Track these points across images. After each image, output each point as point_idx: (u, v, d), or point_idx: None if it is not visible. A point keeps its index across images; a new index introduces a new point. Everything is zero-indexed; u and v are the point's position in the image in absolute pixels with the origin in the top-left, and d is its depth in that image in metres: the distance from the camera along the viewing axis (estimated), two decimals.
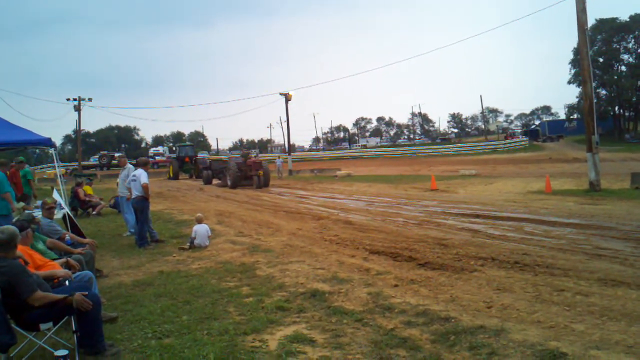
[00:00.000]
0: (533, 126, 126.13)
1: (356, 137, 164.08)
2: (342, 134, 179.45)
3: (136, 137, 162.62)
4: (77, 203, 20.85)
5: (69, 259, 7.48)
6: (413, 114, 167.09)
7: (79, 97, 64.15)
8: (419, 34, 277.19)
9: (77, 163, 71.63)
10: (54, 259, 7.44)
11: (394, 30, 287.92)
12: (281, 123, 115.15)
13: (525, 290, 7.27)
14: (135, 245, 12.96)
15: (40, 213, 10.05)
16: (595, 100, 22.20)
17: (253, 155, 40.65)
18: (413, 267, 9.17)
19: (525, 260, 9.03)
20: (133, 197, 13.35)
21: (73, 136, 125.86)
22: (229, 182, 35.04)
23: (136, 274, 10.02)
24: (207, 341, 5.95)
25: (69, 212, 12.16)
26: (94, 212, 20.76)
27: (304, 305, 7.27)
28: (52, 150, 14.13)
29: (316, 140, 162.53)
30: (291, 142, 65.31)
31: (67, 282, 6.37)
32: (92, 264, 8.73)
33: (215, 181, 40.53)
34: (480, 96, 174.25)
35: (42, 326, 5.51)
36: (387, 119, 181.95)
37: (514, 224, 13.57)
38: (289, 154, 59.70)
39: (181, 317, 6.95)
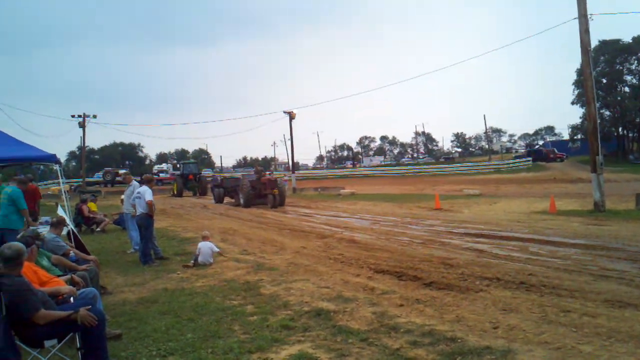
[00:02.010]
0: (537, 146, 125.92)
1: (360, 156, 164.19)
2: (345, 153, 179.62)
3: (140, 154, 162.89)
4: (82, 220, 20.88)
5: (73, 275, 7.48)
6: (417, 133, 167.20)
7: (84, 113, 64.46)
8: (423, 53, 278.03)
9: (81, 179, 71.75)
10: (59, 276, 7.43)
11: (398, 50, 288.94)
12: (285, 141, 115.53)
13: (531, 311, 7.23)
14: (140, 263, 12.94)
15: (46, 229, 10.07)
16: (599, 121, 22.19)
17: (267, 173, 37.64)
18: (418, 287, 9.13)
19: (531, 281, 8.98)
20: (137, 214, 13.36)
21: (77, 152, 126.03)
22: (241, 201, 33.43)
23: (140, 291, 10.00)
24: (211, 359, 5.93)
25: (74, 229, 12.18)
26: (97, 229, 20.78)
27: (308, 324, 7.24)
28: (56, 167, 14.14)
29: (320, 158, 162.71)
30: (295, 161, 65.44)
31: (71, 299, 6.35)
32: (97, 280, 8.72)
33: (227, 199, 38.55)
34: (484, 116, 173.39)
35: (47, 343, 5.49)
36: (390, 137, 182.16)
37: (519, 244, 13.51)
38: (293, 172, 59.73)
39: (185, 335, 6.93)
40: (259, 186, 32.64)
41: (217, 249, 12.98)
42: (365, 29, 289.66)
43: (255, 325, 7.27)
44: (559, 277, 9.22)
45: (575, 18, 21.36)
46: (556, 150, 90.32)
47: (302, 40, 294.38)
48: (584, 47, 21.50)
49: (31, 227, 10.45)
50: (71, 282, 7.18)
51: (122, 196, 17.23)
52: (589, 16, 21.06)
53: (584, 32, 21.22)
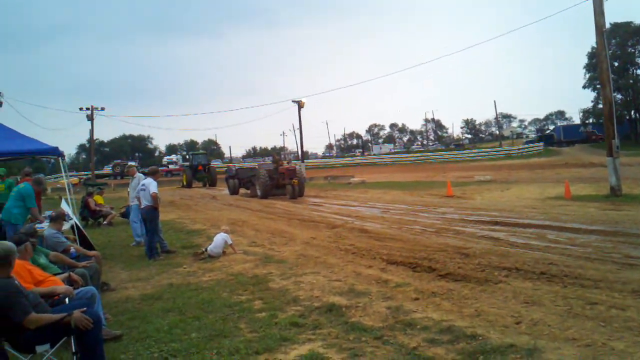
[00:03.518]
0: (548, 131, 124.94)
1: (369, 144, 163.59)
2: (355, 141, 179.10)
3: (150, 146, 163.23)
4: (88, 213, 20.60)
5: (71, 273, 7.11)
6: (426, 120, 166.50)
7: (92, 106, 64.24)
8: (432, 39, 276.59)
9: (90, 172, 71.66)
10: (57, 274, 7.07)
11: (408, 36, 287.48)
12: (294, 130, 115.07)
13: (555, 304, 6.80)
14: (145, 257, 12.61)
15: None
16: (606, 105, 21.63)
17: (285, 162, 34.78)
18: (434, 279, 8.73)
19: (552, 271, 8.56)
20: (142, 206, 13.02)
21: (87, 145, 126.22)
22: (258, 192, 31.75)
23: (145, 287, 9.65)
24: None
25: (78, 223, 11.86)
26: (104, 222, 20.48)
27: (319, 320, 6.85)
28: (59, 160, 13.90)
29: (329, 147, 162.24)
30: (304, 150, 65.07)
31: (67, 300, 5.98)
32: (97, 278, 8.36)
33: (242, 191, 37.12)
34: (494, 101, 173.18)
35: (39, 348, 5.14)
36: (400, 125, 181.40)
37: (535, 232, 13.09)
38: (302, 161, 59.33)
39: (190, 334, 6.56)
40: (276, 176, 31.16)
41: (230, 242, 12.60)
42: (375, 16, 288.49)
43: (263, 322, 6.89)
44: (581, 266, 8.79)
45: None
46: (597, 132, 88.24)
47: (311, 29, 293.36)
48: (598, 29, 20.89)
49: (36, 225, 10.13)
50: (69, 281, 6.82)
51: (128, 188, 16.91)
52: None
53: (599, 13, 20.62)
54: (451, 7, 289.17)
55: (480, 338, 5.71)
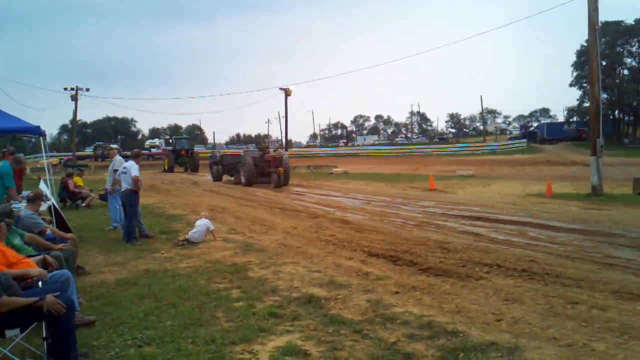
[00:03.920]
0: (531, 128, 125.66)
1: (354, 135, 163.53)
2: (339, 131, 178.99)
3: (133, 129, 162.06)
4: (67, 194, 20.31)
5: (46, 255, 6.92)
6: (411, 113, 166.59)
7: (77, 86, 63.65)
8: (420, 32, 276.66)
9: (71, 153, 70.96)
10: (31, 256, 6.89)
11: (395, 28, 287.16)
12: (279, 118, 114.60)
13: (536, 302, 6.75)
14: (123, 241, 12.42)
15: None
16: (594, 104, 21.68)
17: (272, 149, 34.36)
18: (414, 273, 8.65)
19: (534, 268, 8.52)
20: (122, 190, 12.82)
21: (69, 126, 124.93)
22: (243, 180, 31.13)
23: (121, 271, 9.46)
24: (191, 351, 5.44)
25: (55, 204, 11.64)
26: (83, 204, 20.21)
27: (298, 312, 6.73)
28: (40, 139, 13.65)
29: (313, 136, 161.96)
30: (289, 138, 64.79)
31: (40, 283, 5.81)
32: (72, 261, 8.17)
33: (225, 177, 36.31)
34: (481, 96, 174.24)
35: (8, 333, 4.97)
36: (385, 117, 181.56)
37: (516, 228, 13.08)
38: (286, 150, 59.08)
39: (165, 322, 6.42)
40: (262, 164, 30.59)
41: (212, 228, 12.44)
42: (366, 6, 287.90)
43: (241, 312, 6.76)
44: (562, 265, 8.76)
45: None
46: (587, 130, 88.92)
47: (299, 18, 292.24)
48: (591, 26, 20.87)
49: (12, 205, 9.89)
50: (44, 263, 6.64)
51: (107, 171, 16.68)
52: None
53: (593, 9, 20.61)
54: (443, 2, 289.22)
55: (461, 335, 5.63)
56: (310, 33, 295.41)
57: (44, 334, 5.10)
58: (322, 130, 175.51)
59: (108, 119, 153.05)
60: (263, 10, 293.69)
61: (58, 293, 5.16)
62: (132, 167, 12.71)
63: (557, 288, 7.41)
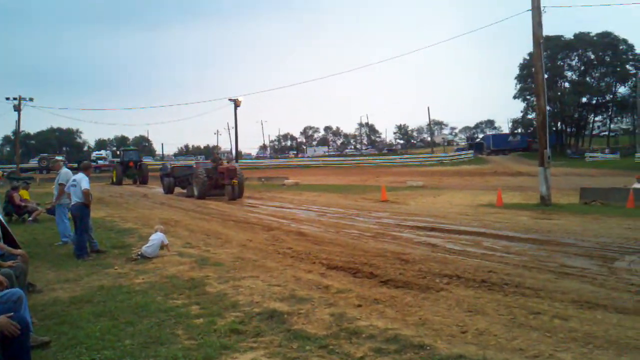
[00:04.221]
0: (478, 139, 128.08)
1: (303, 146, 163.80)
2: (289, 142, 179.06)
3: (78, 140, 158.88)
4: (12, 208, 19.64)
5: None
6: (360, 124, 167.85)
7: (19, 96, 61.99)
8: (369, 44, 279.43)
9: (15, 165, 69.07)
10: None
11: (345, 40, 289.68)
12: (229, 129, 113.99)
13: (498, 313, 6.78)
14: (74, 256, 12.03)
15: None
16: (540, 115, 22.22)
17: (225, 161, 33.60)
18: (375, 285, 8.59)
19: (493, 279, 8.58)
20: (72, 203, 12.43)
21: (12, 137, 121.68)
22: (195, 192, 30.32)
23: (74, 288, 9.12)
24: None
25: (2, 219, 11.20)
26: (30, 219, 19.56)
27: (260, 327, 6.57)
28: None
29: (263, 147, 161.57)
30: (238, 150, 64.41)
31: None
32: (23, 279, 7.84)
33: (177, 190, 35.40)
34: (428, 108, 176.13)
35: None
36: (334, 128, 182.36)
37: (471, 238, 13.23)
38: (237, 161, 58.68)
39: (123, 341, 6.18)
40: (215, 176, 29.75)
41: (166, 242, 12.17)
42: (316, 17, 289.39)
43: (202, 329, 6.56)
44: (520, 275, 8.85)
45: (528, 10, 21.28)
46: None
47: (249, 29, 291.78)
48: (536, 40, 21.42)
49: None
50: None
51: (54, 184, 16.16)
52: (542, 9, 21.00)
53: (537, 24, 21.17)
54: (392, 15, 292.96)
55: (428, 348, 5.59)
56: (260, 44, 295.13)
57: None
58: (272, 141, 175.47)
59: (52, 130, 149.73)
60: (212, 20, 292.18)
61: (12, 314, 4.93)
62: (82, 179, 12.35)
63: (518, 298, 7.47)
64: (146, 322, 6.94)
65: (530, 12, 21.29)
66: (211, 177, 29.83)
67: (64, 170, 14.26)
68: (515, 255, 10.81)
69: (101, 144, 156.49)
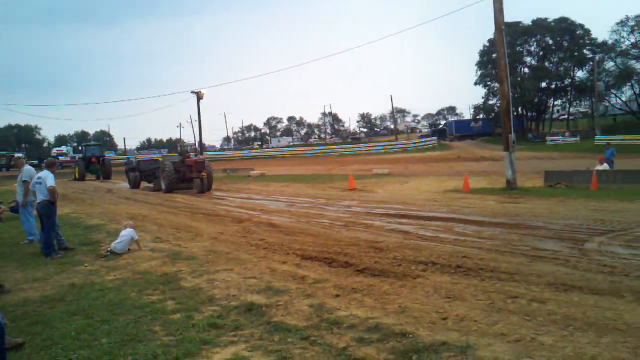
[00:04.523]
0: (440, 126, 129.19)
1: (267, 137, 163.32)
2: (253, 134, 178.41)
3: (38, 136, 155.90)
4: None
5: None
6: (324, 114, 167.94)
7: None
8: (331, 33, 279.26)
9: None
10: None
11: (305, 29, 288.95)
12: (192, 122, 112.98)
13: (476, 298, 6.80)
14: (41, 254, 11.77)
15: None
16: (504, 100, 22.41)
17: (192, 154, 32.89)
18: (351, 274, 8.57)
19: (467, 264, 8.63)
20: (38, 201, 12.15)
21: None
22: (163, 186, 29.63)
23: (44, 287, 8.91)
24: None
25: None
26: None
27: (239, 321, 6.49)
28: None
29: (227, 139, 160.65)
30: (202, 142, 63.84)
31: None
32: None
33: (143, 184, 34.74)
34: (391, 96, 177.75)
35: None
36: (297, 118, 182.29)
37: (442, 224, 13.32)
38: (201, 154, 58.10)
39: (100, 340, 6.04)
40: (183, 169, 29.21)
41: (136, 237, 11.97)
42: (276, 7, 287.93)
43: (180, 324, 6.45)
44: (494, 259, 8.91)
45: None
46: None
47: (209, 20, 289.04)
48: (498, 26, 21.59)
49: None
50: None
51: (16, 182, 15.78)
52: None
53: (499, 11, 21.35)
54: (352, 3, 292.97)
55: (410, 336, 5.57)
56: (219, 37, 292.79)
57: None
58: (235, 133, 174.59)
59: (10, 127, 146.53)
60: (168, 14, 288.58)
61: None
62: (48, 177, 12.08)
63: (494, 283, 7.51)
64: (122, 319, 6.81)
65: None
66: (179, 170, 29.33)
67: (27, 167, 13.94)
68: (487, 240, 10.91)
69: (61, 140, 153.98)
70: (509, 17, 21.66)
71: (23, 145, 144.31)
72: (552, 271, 7.97)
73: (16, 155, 66.32)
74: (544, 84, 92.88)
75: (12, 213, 18.91)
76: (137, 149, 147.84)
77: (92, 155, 51.52)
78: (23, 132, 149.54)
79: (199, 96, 54.19)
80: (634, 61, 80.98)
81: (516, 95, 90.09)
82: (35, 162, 43.94)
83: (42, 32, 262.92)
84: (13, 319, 7.08)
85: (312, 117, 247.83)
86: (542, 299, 6.62)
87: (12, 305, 7.81)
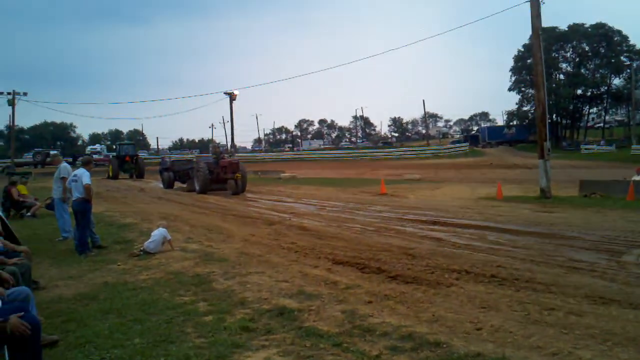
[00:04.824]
0: (473, 132, 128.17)
1: (298, 140, 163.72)
2: (284, 136, 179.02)
3: (72, 134, 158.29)
4: (10, 204, 19.46)
5: (0, 271, 6.50)
6: (355, 117, 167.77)
7: (13, 90, 61.72)
8: (364, 37, 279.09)
9: (9, 160, 68.75)
10: None
11: (339, 34, 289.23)
12: (224, 123, 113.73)
13: (512, 309, 6.69)
14: (75, 252, 11.90)
15: None
16: (534, 108, 22.12)
17: (227, 155, 33.06)
18: (384, 280, 8.49)
19: (502, 274, 8.49)
20: (74, 198, 12.29)
21: (6, 132, 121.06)
22: (197, 187, 29.63)
23: (77, 285, 9.01)
24: None
25: (2, 214, 11.07)
26: (28, 214, 19.40)
27: (271, 325, 6.47)
28: None
29: (258, 141, 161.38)
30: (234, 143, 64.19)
31: None
32: (28, 276, 7.73)
33: (177, 184, 34.70)
34: (423, 100, 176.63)
35: None
36: (329, 121, 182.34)
37: (476, 232, 13.16)
38: (233, 155, 58.41)
39: (133, 339, 6.07)
40: (217, 170, 29.01)
41: (169, 237, 12.04)
42: (309, 10, 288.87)
43: (212, 327, 6.46)
44: (529, 270, 8.76)
45: (526, 1, 21.16)
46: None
47: (244, 22, 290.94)
48: (535, 32, 21.36)
49: None
50: None
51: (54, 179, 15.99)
52: (540, 0, 20.87)
53: (536, 16, 21.06)
54: (387, 7, 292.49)
55: (445, 346, 5.49)
56: (254, 37, 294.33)
57: (7, 357, 4.74)
58: (267, 134, 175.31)
59: (46, 125, 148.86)
60: (201, 13, 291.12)
61: (22, 313, 4.82)
62: (84, 174, 12.21)
63: (530, 294, 7.37)
64: (154, 319, 6.84)
65: (528, 4, 21.16)
66: (213, 171, 29.24)
67: (64, 164, 14.13)
68: (521, 249, 10.73)
69: (95, 138, 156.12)
70: (544, 21, 21.32)
71: (58, 143, 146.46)
72: (590, 283, 7.81)
73: (52, 152, 67.49)
74: (579, 91, 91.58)
75: (48, 210, 19.20)
76: (170, 148, 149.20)
77: (126, 154, 52.08)
78: (58, 129, 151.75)
79: (232, 97, 54.57)
80: None
81: (551, 102, 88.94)
82: (70, 159, 44.38)
83: (78, 29, 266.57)
84: (48, 315, 7.14)
85: (344, 120, 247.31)
86: (580, 311, 6.48)
87: (47, 302, 7.89)
